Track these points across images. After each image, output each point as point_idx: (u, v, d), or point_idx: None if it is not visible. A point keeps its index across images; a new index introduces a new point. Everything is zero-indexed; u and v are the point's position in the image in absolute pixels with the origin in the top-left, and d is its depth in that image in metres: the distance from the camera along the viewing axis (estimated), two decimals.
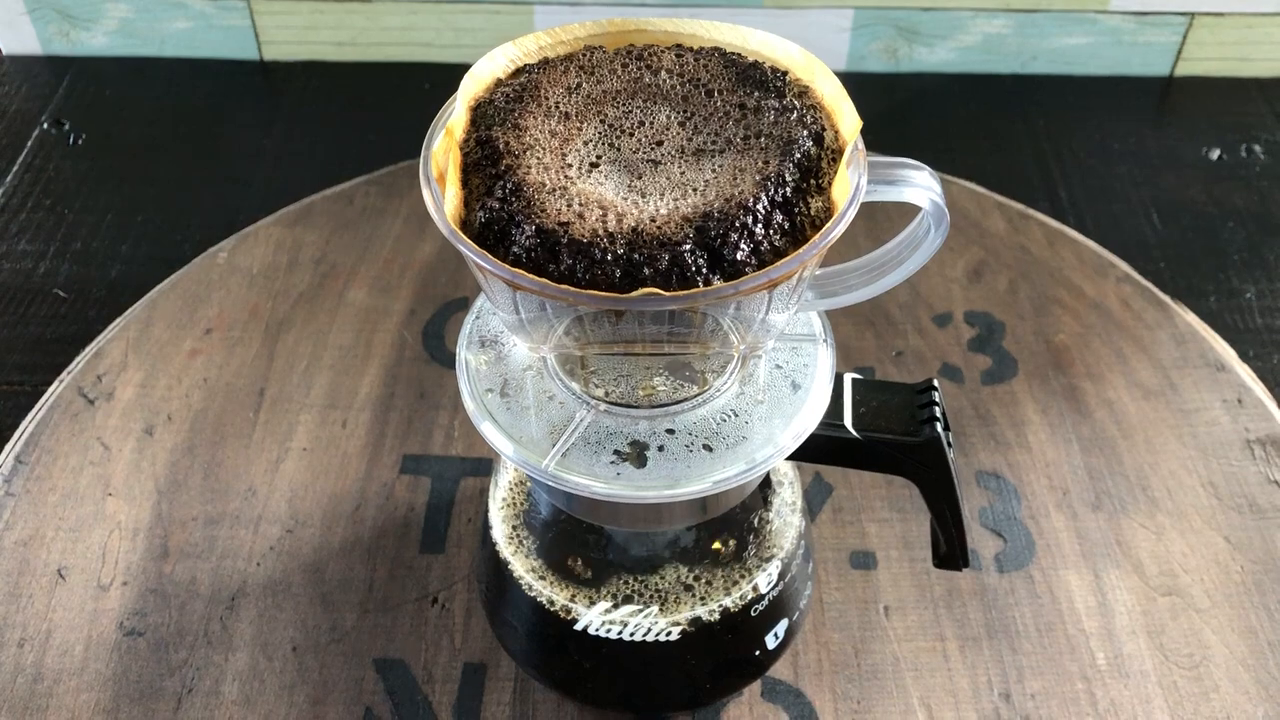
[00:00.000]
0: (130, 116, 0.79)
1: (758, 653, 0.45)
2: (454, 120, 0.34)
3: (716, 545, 0.43)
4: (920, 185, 0.34)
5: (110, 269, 0.68)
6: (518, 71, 0.36)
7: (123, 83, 0.82)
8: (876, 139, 0.75)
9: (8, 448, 0.56)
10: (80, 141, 0.77)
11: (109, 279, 0.68)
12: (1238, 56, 0.82)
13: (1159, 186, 0.75)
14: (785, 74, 0.35)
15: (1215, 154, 0.77)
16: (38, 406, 0.58)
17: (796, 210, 0.32)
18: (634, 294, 0.30)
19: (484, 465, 0.55)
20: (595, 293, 0.30)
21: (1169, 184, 0.75)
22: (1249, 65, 0.82)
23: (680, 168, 0.33)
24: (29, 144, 0.77)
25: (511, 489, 0.45)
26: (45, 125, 0.78)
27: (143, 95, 0.81)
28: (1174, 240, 0.71)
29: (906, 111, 0.80)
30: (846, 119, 0.34)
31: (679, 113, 0.34)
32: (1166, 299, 0.64)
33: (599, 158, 0.33)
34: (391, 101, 0.80)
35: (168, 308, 0.63)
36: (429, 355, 0.61)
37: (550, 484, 0.37)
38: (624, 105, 0.34)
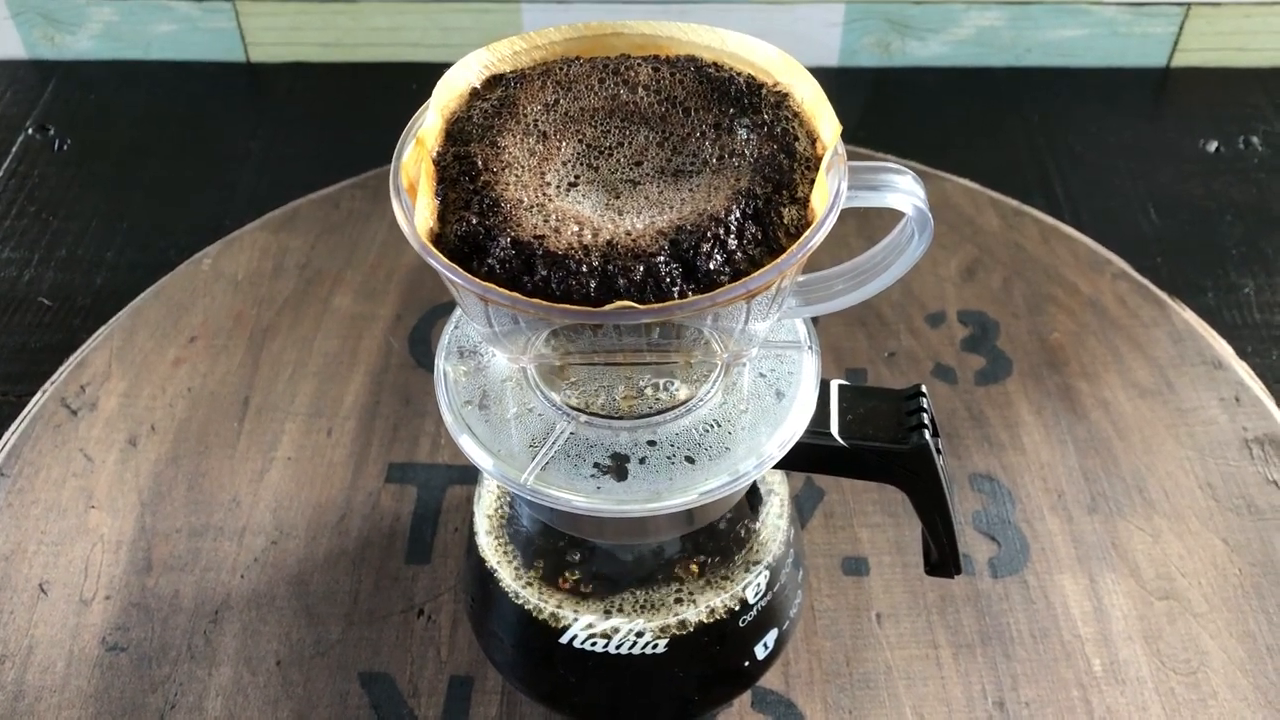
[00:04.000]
0: (116, 120, 0.79)
1: (747, 663, 0.44)
2: (425, 130, 0.33)
3: (703, 555, 0.42)
4: (903, 190, 0.33)
5: (95, 276, 0.68)
6: (493, 80, 0.35)
7: (108, 86, 0.81)
8: (869, 134, 0.75)
9: None
10: (65, 147, 0.77)
11: (94, 286, 0.67)
12: (1235, 46, 0.81)
13: (1155, 180, 0.74)
14: (761, 86, 0.34)
15: (1213, 146, 0.76)
16: (20, 417, 0.57)
17: (769, 221, 0.31)
18: (608, 308, 0.30)
19: (470, 473, 0.55)
20: (568, 307, 0.30)
21: (1166, 177, 0.74)
22: (1246, 55, 0.81)
23: (659, 187, 0.32)
24: (14, 150, 0.76)
25: (497, 498, 0.45)
26: (30, 130, 0.78)
27: (128, 99, 0.80)
28: (1171, 235, 0.70)
29: (899, 106, 0.80)
30: (826, 124, 0.33)
31: (657, 133, 0.34)
32: (1163, 295, 0.63)
33: (577, 177, 0.33)
34: (378, 102, 0.80)
35: (152, 316, 0.62)
36: (415, 361, 0.60)
37: (530, 498, 0.36)
38: (602, 124, 0.34)
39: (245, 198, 0.72)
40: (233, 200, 0.72)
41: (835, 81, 0.80)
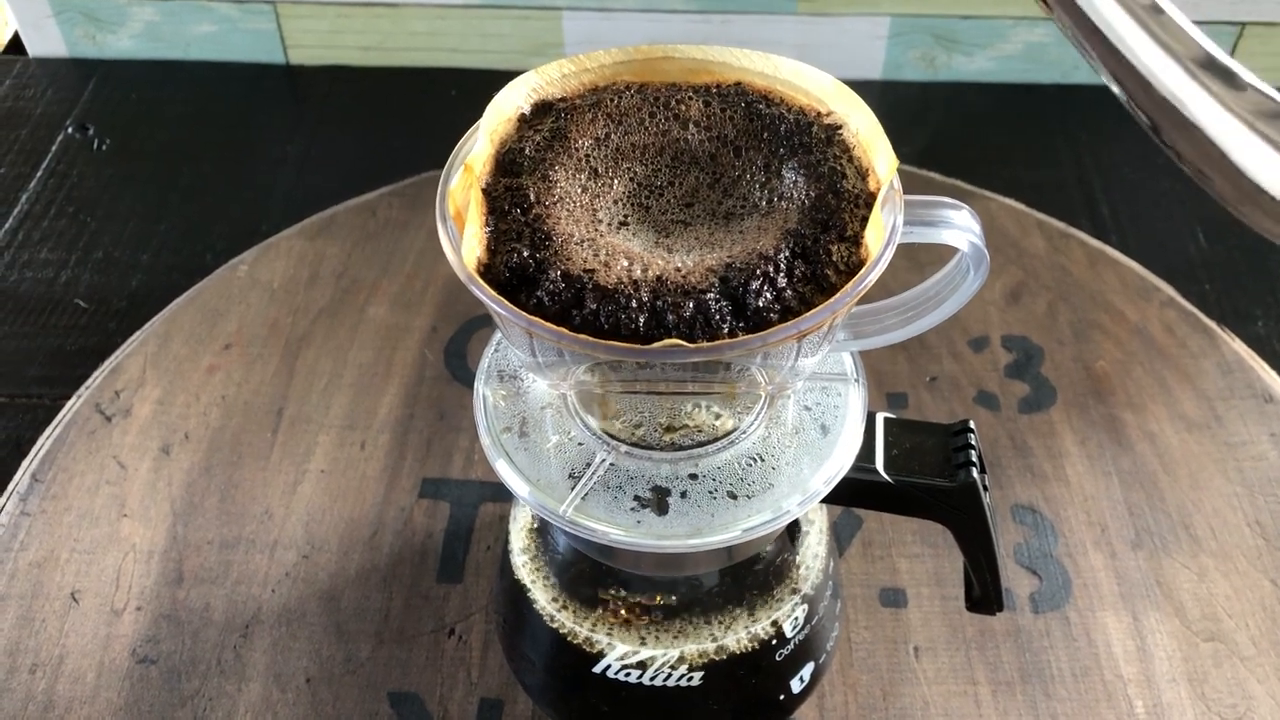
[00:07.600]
0: (155, 121, 0.79)
1: (783, 697, 0.43)
2: (474, 155, 0.33)
3: (741, 586, 0.42)
4: (959, 226, 0.33)
5: (131, 279, 0.68)
6: (542, 106, 0.34)
7: (148, 86, 0.81)
8: (913, 150, 0.74)
9: (24, 465, 0.55)
10: (104, 146, 0.77)
11: (130, 289, 0.67)
12: None
13: (1205, 203, 0.72)
14: (811, 124, 0.33)
15: None
16: (55, 422, 0.57)
17: (819, 260, 0.30)
18: (657, 345, 0.29)
19: (504, 491, 0.54)
20: (616, 343, 0.29)
21: (1216, 201, 0.72)
22: None
23: (710, 229, 0.32)
24: (53, 149, 0.76)
25: (533, 518, 0.44)
26: (70, 129, 0.78)
27: (168, 99, 0.80)
28: (1220, 260, 0.68)
29: (944, 122, 0.78)
30: (882, 158, 0.32)
31: (708, 174, 0.33)
32: (1212, 324, 0.62)
33: (627, 217, 0.32)
34: (417, 108, 0.79)
35: (187, 322, 0.62)
36: (451, 374, 0.60)
37: (568, 530, 0.36)
38: (653, 163, 0.33)
39: (282, 201, 0.72)
40: (270, 204, 0.72)
41: (879, 95, 0.79)
